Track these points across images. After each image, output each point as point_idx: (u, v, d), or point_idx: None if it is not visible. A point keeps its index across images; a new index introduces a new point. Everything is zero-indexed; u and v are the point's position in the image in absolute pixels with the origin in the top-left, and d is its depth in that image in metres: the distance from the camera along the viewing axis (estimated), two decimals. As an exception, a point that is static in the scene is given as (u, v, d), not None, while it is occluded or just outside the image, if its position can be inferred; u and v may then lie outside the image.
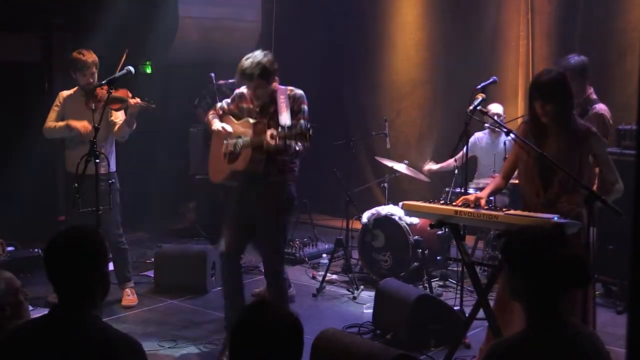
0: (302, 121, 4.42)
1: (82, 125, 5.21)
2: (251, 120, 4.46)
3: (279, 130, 4.20)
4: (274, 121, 4.39)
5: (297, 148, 4.38)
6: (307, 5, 8.62)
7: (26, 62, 7.18)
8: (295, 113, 4.43)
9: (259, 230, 4.59)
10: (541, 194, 3.83)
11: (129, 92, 5.20)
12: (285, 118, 4.35)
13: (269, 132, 4.16)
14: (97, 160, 4.39)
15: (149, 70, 7.45)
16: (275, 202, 4.51)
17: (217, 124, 4.60)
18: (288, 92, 4.49)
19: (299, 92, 4.53)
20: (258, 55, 4.38)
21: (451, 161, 6.25)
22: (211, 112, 4.74)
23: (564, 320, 2.25)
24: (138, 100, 5.15)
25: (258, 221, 4.57)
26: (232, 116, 4.64)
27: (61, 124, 5.31)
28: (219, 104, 4.76)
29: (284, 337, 2.01)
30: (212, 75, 6.33)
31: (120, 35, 6.79)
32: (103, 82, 4.68)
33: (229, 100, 4.70)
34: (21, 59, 7.19)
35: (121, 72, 4.68)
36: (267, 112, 4.47)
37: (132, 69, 4.69)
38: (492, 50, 7.50)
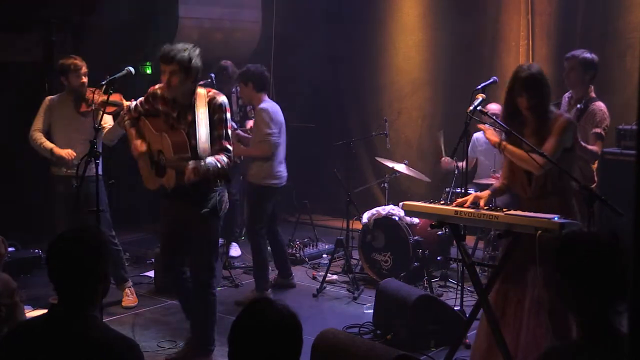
0: (223, 131, 4.24)
1: (67, 152, 5.27)
2: (166, 135, 4.20)
3: (199, 165, 4.04)
4: (193, 130, 4.17)
5: (219, 166, 4.19)
6: (307, 6, 8.62)
7: (26, 62, 7.18)
8: (215, 123, 4.22)
9: (189, 240, 4.42)
10: (527, 188, 3.89)
11: (122, 97, 5.17)
12: (203, 140, 4.14)
13: (190, 166, 4.01)
14: (98, 161, 4.39)
15: (149, 71, 7.44)
16: (202, 210, 4.30)
17: (133, 142, 4.37)
18: (207, 98, 4.24)
19: (219, 100, 4.25)
20: (188, 46, 4.20)
21: (459, 164, 6.13)
22: (126, 117, 4.50)
23: (621, 336, 2.11)
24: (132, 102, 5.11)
25: (188, 230, 4.40)
26: (150, 116, 4.40)
27: (47, 145, 5.31)
28: (132, 104, 4.51)
29: (282, 334, 2.02)
30: (212, 75, 6.33)
31: (120, 36, 6.79)
32: (103, 82, 4.68)
33: (142, 100, 4.44)
34: (21, 59, 7.19)
35: (121, 73, 4.67)
36: (184, 120, 4.24)
37: (132, 69, 4.69)
38: (493, 50, 7.50)
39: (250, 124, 6.41)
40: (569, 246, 2.21)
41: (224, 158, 4.21)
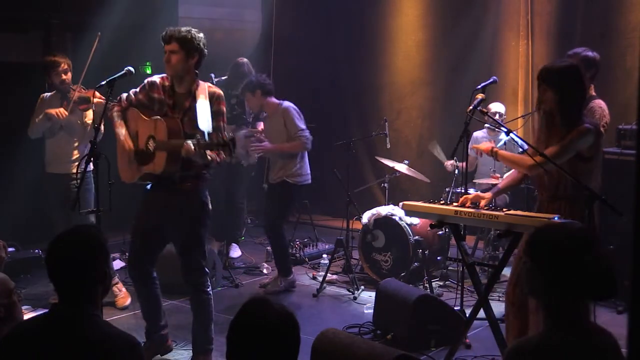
0: (222, 124, 4.17)
1: (57, 111, 5.26)
2: (162, 120, 4.09)
3: (200, 138, 3.84)
4: (188, 118, 4.10)
5: (218, 159, 4.02)
6: (307, 6, 8.62)
7: (26, 62, 7.18)
8: (214, 115, 4.12)
9: (175, 242, 4.36)
10: (544, 190, 3.84)
11: (96, 92, 5.10)
12: (205, 122, 4.01)
13: (190, 141, 3.87)
14: (98, 161, 4.38)
15: (149, 71, 7.44)
16: (189, 211, 4.24)
17: (120, 131, 4.27)
18: (208, 88, 4.17)
19: (218, 90, 4.23)
20: (190, 28, 4.12)
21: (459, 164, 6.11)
22: (115, 108, 4.36)
23: (588, 328, 2.10)
24: (100, 99, 5.01)
25: (171, 231, 4.32)
26: (142, 107, 4.29)
27: (40, 116, 5.33)
28: (124, 95, 4.38)
29: (280, 333, 2.02)
30: (212, 75, 6.33)
31: (120, 36, 6.79)
32: (102, 82, 4.66)
33: (137, 90, 4.34)
34: (21, 59, 7.18)
35: (120, 73, 4.65)
36: (181, 107, 4.16)
37: (132, 69, 4.67)
38: (492, 50, 7.50)
39: (261, 126, 6.41)
40: (540, 235, 2.20)
41: (219, 154, 4.10)
